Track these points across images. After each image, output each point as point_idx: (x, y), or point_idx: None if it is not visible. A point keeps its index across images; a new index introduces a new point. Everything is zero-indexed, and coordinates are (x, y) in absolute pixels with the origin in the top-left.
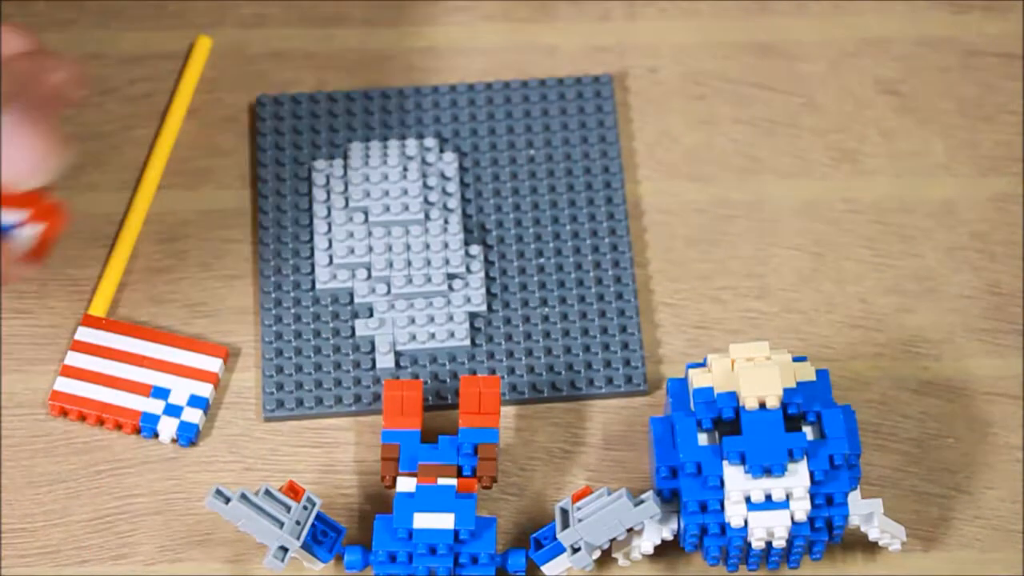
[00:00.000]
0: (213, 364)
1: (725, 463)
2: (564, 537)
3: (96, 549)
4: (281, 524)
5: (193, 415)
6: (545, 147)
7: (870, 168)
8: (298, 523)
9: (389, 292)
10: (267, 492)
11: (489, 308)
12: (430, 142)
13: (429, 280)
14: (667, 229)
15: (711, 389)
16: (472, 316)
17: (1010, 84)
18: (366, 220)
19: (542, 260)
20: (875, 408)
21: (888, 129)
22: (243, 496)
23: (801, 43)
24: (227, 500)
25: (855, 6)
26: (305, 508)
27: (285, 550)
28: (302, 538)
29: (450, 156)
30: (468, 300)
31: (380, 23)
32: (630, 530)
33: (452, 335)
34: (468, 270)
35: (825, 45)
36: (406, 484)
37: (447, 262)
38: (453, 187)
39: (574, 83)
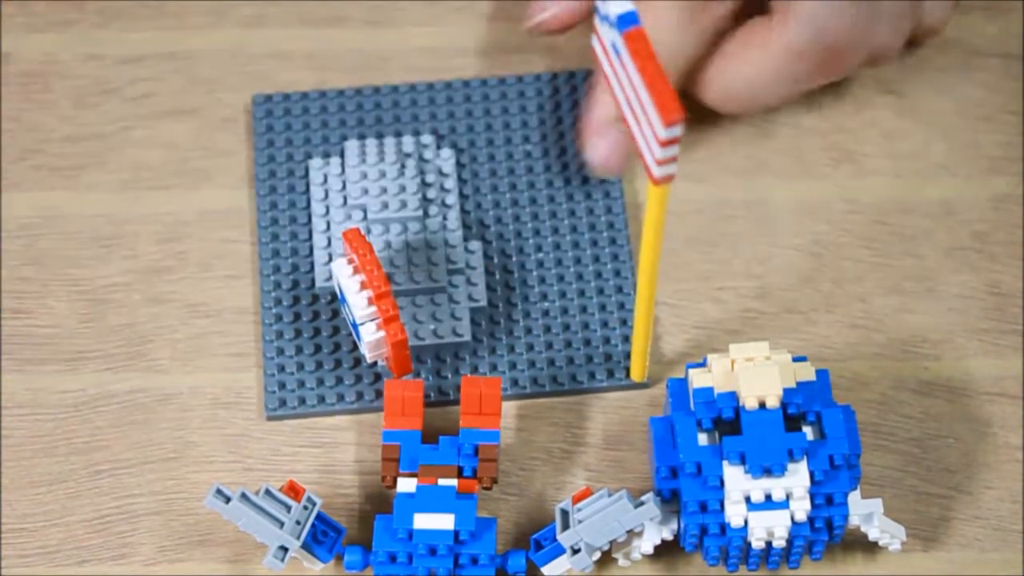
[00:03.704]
0: None
1: (725, 463)
2: (564, 538)
3: (96, 549)
4: (281, 524)
5: None
6: (542, 142)
7: (870, 168)
8: (298, 523)
9: None
10: (267, 492)
11: (490, 303)
12: (427, 139)
13: (430, 276)
14: (667, 229)
15: (711, 389)
16: (473, 312)
17: (1010, 84)
18: (365, 217)
19: (541, 255)
20: (875, 408)
21: (888, 129)
22: (243, 496)
23: None
24: (227, 500)
25: None
26: (305, 508)
27: (285, 550)
28: (302, 538)
29: (447, 152)
30: (469, 296)
31: (380, 23)
32: (630, 531)
33: (454, 331)
34: (468, 266)
35: None
36: (406, 484)
37: (447, 258)
38: (451, 183)
39: (569, 77)
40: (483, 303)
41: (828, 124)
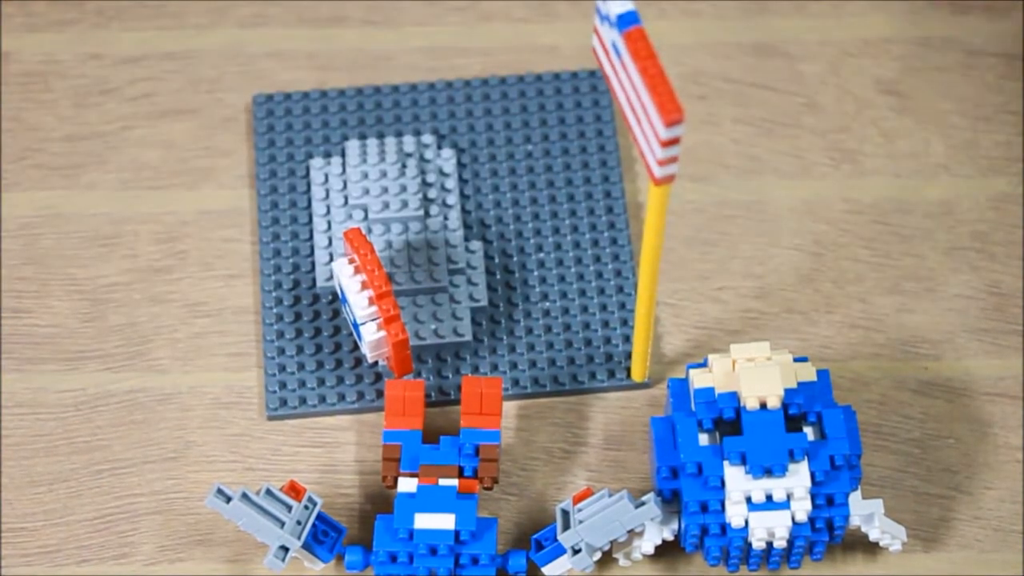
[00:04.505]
0: None
1: (726, 463)
2: (565, 539)
3: (96, 549)
4: (282, 523)
5: None
6: (543, 142)
7: (870, 168)
8: (299, 523)
9: None
10: (268, 492)
11: (491, 303)
12: (427, 138)
13: (431, 276)
14: (667, 229)
15: (712, 389)
16: (474, 311)
17: (1010, 84)
18: (366, 217)
19: (542, 255)
20: (875, 408)
21: (888, 129)
22: (244, 496)
23: (801, 43)
24: (228, 499)
25: (855, 6)
26: (306, 508)
27: (286, 549)
28: (303, 538)
29: (448, 152)
30: (470, 296)
31: (380, 23)
32: (631, 531)
33: (455, 331)
34: (469, 265)
35: (825, 45)
36: (407, 484)
37: (448, 258)
38: (452, 183)
39: (570, 77)
40: (484, 303)
41: (828, 124)
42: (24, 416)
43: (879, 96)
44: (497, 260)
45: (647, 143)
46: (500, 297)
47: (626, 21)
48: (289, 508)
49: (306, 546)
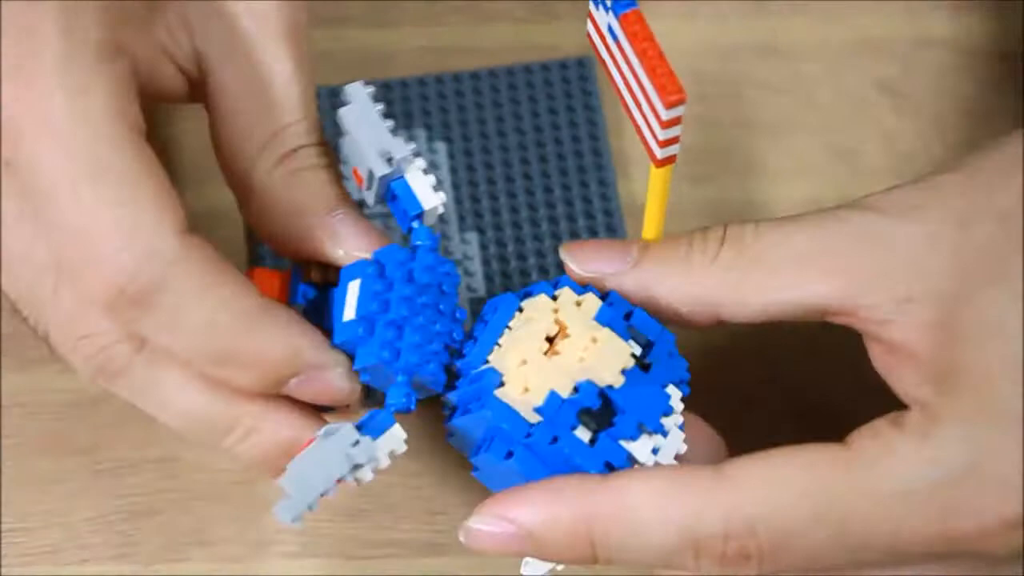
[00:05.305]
0: None
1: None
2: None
3: (97, 548)
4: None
5: None
6: (534, 132)
7: (870, 168)
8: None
9: None
10: None
11: (488, 294)
12: (419, 133)
13: None
14: (667, 229)
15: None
16: (472, 302)
17: (1009, 84)
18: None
19: (538, 243)
20: (879, 408)
21: (888, 129)
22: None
23: (801, 43)
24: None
25: (855, 6)
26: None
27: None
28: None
29: (440, 146)
30: (467, 286)
31: (380, 23)
32: None
33: None
34: (465, 256)
35: (825, 45)
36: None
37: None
38: (445, 176)
39: (559, 67)
40: (482, 293)
41: (828, 124)
42: (24, 415)
43: (879, 96)
44: (492, 251)
45: (647, 126)
46: (497, 288)
47: (622, 5)
48: None
49: None
